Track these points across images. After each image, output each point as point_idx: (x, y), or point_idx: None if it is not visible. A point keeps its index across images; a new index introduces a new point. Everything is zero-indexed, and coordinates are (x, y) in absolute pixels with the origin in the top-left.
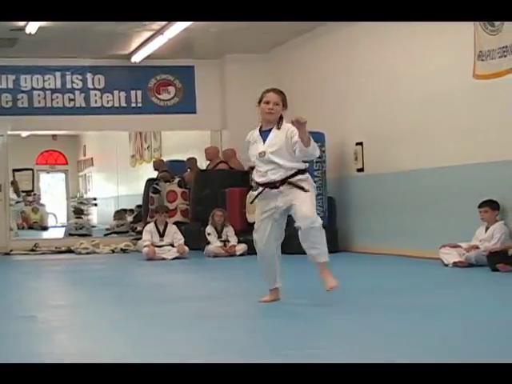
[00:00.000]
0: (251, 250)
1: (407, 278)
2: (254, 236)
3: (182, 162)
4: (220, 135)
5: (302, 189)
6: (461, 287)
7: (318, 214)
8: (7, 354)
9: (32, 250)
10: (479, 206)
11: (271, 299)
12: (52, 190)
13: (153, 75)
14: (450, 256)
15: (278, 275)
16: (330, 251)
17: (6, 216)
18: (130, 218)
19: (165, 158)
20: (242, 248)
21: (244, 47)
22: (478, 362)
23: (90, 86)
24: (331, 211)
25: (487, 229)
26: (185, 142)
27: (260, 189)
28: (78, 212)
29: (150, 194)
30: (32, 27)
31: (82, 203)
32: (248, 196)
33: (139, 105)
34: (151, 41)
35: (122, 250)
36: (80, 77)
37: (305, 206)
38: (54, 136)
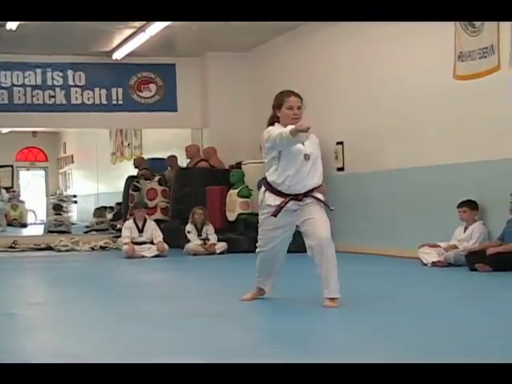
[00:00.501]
0: (231, 249)
1: (385, 278)
2: (263, 248)
3: (163, 159)
4: (201, 133)
5: (326, 204)
6: (438, 287)
7: None
8: None
9: (11, 247)
10: (458, 206)
11: (252, 297)
12: (32, 187)
13: (134, 73)
14: (429, 256)
15: (273, 279)
16: None
17: None
18: (109, 216)
19: (145, 156)
20: (221, 246)
21: (226, 45)
22: (449, 363)
23: (70, 82)
24: None
25: (466, 229)
26: (165, 139)
27: (281, 200)
28: (58, 209)
29: (130, 192)
30: (12, 24)
31: (61, 200)
32: (229, 194)
33: (120, 102)
34: (133, 38)
35: (101, 247)
36: (61, 73)
37: (323, 224)
38: (34, 133)
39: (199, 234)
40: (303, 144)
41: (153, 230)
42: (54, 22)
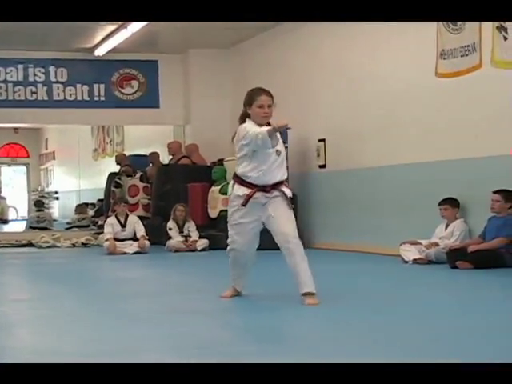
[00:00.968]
0: (212, 245)
1: (366, 275)
2: (234, 245)
3: (145, 156)
4: (183, 130)
5: (291, 201)
6: (419, 284)
7: None
8: None
9: None
10: (439, 204)
11: (232, 294)
12: (13, 183)
13: (116, 69)
14: (410, 253)
15: (244, 279)
16: None
17: None
18: (91, 212)
19: (127, 153)
20: (203, 243)
21: (208, 42)
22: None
23: (52, 79)
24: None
25: (447, 226)
26: (147, 136)
27: (249, 190)
28: (39, 205)
29: (112, 189)
30: None
31: (43, 197)
32: (211, 191)
33: (102, 98)
34: (115, 35)
35: (82, 244)
36: (43, 70)
37: (289, 222)
38: (15, 129)
39: (181, 231)
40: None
41: (135, 224)
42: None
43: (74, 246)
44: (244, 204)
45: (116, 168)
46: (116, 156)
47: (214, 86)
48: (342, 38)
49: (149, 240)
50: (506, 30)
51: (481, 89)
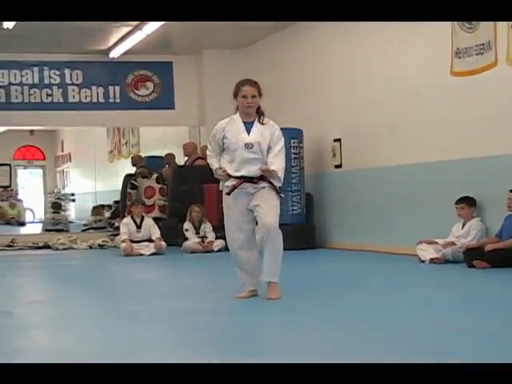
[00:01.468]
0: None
1: (383, 275)
2: (234, 243)
3: (160, 157)
4: (198, 131)
5: (277, 192)
6: (435, 284)
7: (296, 210)
8: None
9: (9, 246)
10: (456, 203)
11: (249, 295)
12: (29, 186)
13: (131, 71)
14: (427, 252)
15: (257, 275)
16: (307, 247)
17: None
18: (107, 214)
19: (143, 154)
20: (219, 244)
21: (222, 43)
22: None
23: (67, 81)
24: (309, 207)
25: (464, 225)
26: (163, 137)
27: (235, 181)
28: (56, 207)
29: (128, 190)
30: (9, 22)
31: (59, 199)
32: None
33: (117, 100)
34: (129, 36)
35: (99, 245)
36: (58, 72)
37: (271, 213)
38: (31, 131)
39: (197, 232)
40: (248, 133)
41: (150, 227)
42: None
43: (90, 247)
44: (229, 193)
45: (132, 169)
46: (132, 157)
47: (229, 86)
48: (354, 37)
49: (165, 241)
50: None
51: (496, 87)
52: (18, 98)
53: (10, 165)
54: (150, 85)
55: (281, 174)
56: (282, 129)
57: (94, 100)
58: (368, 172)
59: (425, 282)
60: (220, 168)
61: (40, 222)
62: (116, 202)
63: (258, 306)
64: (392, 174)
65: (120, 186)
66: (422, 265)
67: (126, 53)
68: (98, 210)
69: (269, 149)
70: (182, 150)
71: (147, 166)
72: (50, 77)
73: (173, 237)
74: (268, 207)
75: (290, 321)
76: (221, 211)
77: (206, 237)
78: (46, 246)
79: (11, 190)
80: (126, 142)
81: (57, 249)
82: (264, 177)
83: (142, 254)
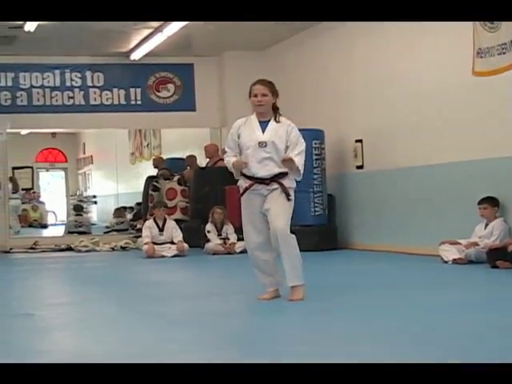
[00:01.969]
0: None
1: (406, 276)
2: (250, 245)
3: (182, 159)
4: (219, 132)
5: (287, 196)
6: (459, 284)
7: (318, 211)
8: (5, 352)
9: (32, 248)
10: (479, 203)
11: (271, 297)
12: (51, 188)
13: (152, 73)
14: (450, 253)
15: (276, 275)
16: (330, 248)
17: (5, 214)
18: (129, 216)
19: (164, 156)
20: (241, 245)
21: (243, 44)
22: (465, 362)
23: (89, 83)
24: (330, 208)
25: (487, 225)
26: (184, 139)
27: (248, 183)
28: (78, 210)
29: (150, 192)
30: (31, 25)
31: (81, 201)
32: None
33: (138, 102)
34: (150, 38)
35: (121, 247)
36: (79, 74)
37: (281, 216)
38: (53, 134)
39: (219, 234)
40: (263, 132)
41: (172, 230)
42: (72, 22)
43: (112, 249)
44: (241, 194)
45: (153, 171)
46: (153, 159)
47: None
48: (376, 37)
49: (187, 243)
50: None
51: None
52: (39, 100)
53: (32, 167)
54: (171, 87)
55: (301, 169)
56: (303, 130)
57: (116, 102)
58: (390, 173)
59: (448, 282)
60: (236, 161)
61: (62, 224)
62: (138, 203)
63: (280, 308)
64: (414, 174)
65: (142, 188)
66: (445, 265)
67: (147, 55)
68: (119, 212)
69: (286, 148)
70: (203, 152)
71: (169, 167)
72: (72, 79)
73: (195, 238)
74: (278, 210)
75: (314, 322)
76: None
77: (228, 238)
78: (69, 249)
79: (34, 192)
80: (148, 144)
81: (79, 251)
82: (276, 178)
83: (164, 256)
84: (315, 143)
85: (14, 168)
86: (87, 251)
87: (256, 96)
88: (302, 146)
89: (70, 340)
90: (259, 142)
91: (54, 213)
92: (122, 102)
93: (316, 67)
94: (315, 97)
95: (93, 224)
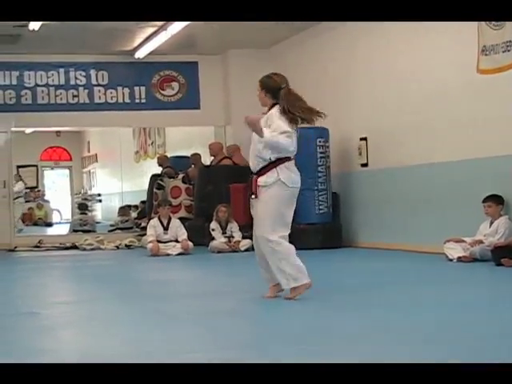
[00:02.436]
0: None
1: (410, 274)
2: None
3: (186, 157)
4: (224, 131)
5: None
6: (464, 282)
7: (322, 209)
8: (10, 350)
9: (36, 247)
10: (483, 201)
11: (273, 294)
12: (56, 187)
13: (156, 71)
14: (455, 251)
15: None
16: (334, 247)
17: (10, 213)
18: (134, 214)
19: (169, 154)
20: (246, 243)
21: (247, 42)
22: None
23: (93, 82)
24: (335, 206)
25: (491, 223)
26: (189, 137)
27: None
28: (83, 208)
29: (155, 190)
30: (35, 24)
31: (86, 199)
32: None
33: (143, 101)
34: (154, 37)
35: (126, 246)
36: (83, 73)
37: (259, 224)
38: (57, 132)
39: (223, 232)
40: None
41: (177, 228)
42: (76, 22)
43: (117, 248)
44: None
45: (158, 170)
46: (158, 158)
47: (254, 86)
48: (380, 35)
49: (191, 241)
50: None
51: None
52: (44, 99)
53: (36, 166)
54: (175, 85)
55: (264, 137)
56: (307, 128)
57: (120, 100)
58: (394, 171)
59: (453, 280)
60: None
61: (67, 222)
62: (142, 202)
63: (283, 306)
64: (419, 172)
65: (146, 187)
66: (450, 263)
67: (151, 53)
68: (124, 210)
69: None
70: (207, 150)
71: (173, 166)
72: (76, 78)
73: (199, 236)
74: (258, 216)
75: (318, 320)
76: (248, 210)
77: (233, 236)
78: (73, 247)
79: (38, 190)
80: (152, 143)
81: (84, 249)
82: (261, 172)
83: (168, 254)
84: (320, 141)
85: (18, 166)
86: (92, 249)
87: None
88: (278, 130)
89: (75, 338)
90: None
91: (58, 211)
92: (127, 100)
93: (320, 65)
94: (319, 95)
95: (97, 222)
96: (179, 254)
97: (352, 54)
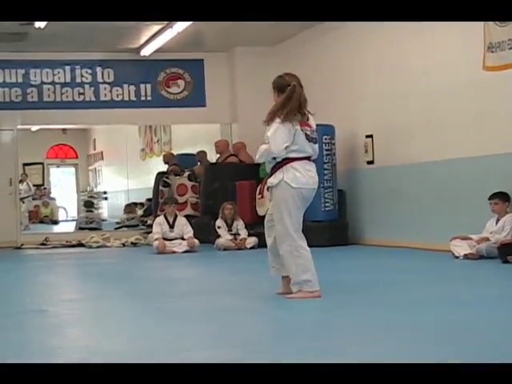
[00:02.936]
0: (262, 243)
1: (417, 271)
2: None
3: (192, 155)
4: (230, 128)
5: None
6: (470, 280)
7: (328, 206)
8: (17, 348)
9: (42, 244)
10: (489, 198)
11: (284, 290)
12: (62, 184)
13: (162, 69)
14: (461, 248)
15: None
16: (340, 244)
17: (16, 210)
18: (140, 212)
19: (175, 152)
20: (252, 241)
21: (253, 40)
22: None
23: (99, 79)
24: (341, 204)
25: (498, 221)
26: (194, 135)
27: None
28: (89, 206)
29: (160, 188)
30: (41, 22)
31: (92, 197)
32: (258, 189)
33: (149, 98)
34: (160, 34)
35: (132, 243)
36: (89, 71)
37: (276, 226)
38: (63, 130)
39: (229, 229)
40: None
41: (183, 226)
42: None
43: (123, 245)
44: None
45: (164, 167)
46: (164, 155)
47: (260, 83)
48: (387, 33)
49: (197, 239)
50: None
51: None
52: (50, 96)
53: (43, 163)
54: (181, 82)
55: (257, 156)
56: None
57: (126, 98)
58: (400, 168)
59: (459, 278)
60: None
61: (73, 220)
62: (148, 199)
63: (289, 304)
64: (424, 170)
65: (152, 184)
66: (456, 260)
67: (157, 51)
68: (130, 207)
69: None
70: (213, 148)
71: (179, 163)
72: (82, 75)
73: (205, 234)
74: (274, 218)
75: (322, 318)
76: (254, 208)
77: (239, 234)
78: (80, 245)
79: (44, 188)
80: (158, 140)
81: (90, 247)
82: (271, 172)
83: (174, 252)
84: (325, 138)
85: (24, 164)
86: (98, 247)
87: None
88: (268, 144)
89: (83, 336)
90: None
91: (64, 209)
92: (133, 97)
93: (327, 63)
94: (325, 92)
95: (103, 220)
96: (185, 252)
97: (358, 51)
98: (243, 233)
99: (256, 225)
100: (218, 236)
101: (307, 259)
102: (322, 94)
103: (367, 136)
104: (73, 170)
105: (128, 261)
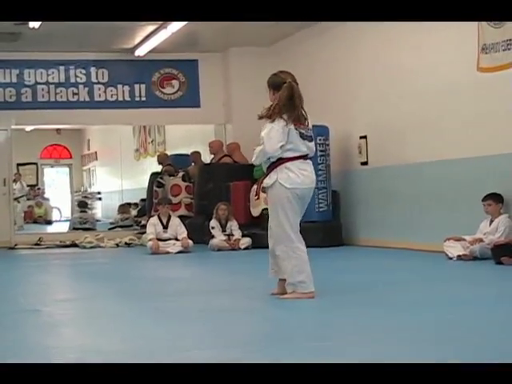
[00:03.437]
0: (255, 244)
1: (411, 272)
2: None
3: (186, 155)
4: (224, 129)
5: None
6: (464, 281)
7: (322, 207)
8: (12, 348)
9: (36, 245)
10: (483, 199)
11: (280, 288)
12: (56, 184)
13: (156, 69)
14: (455, 249)
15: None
16: (334, 245)
17: (10, 210)
18: (134, 212)
19: (169, 152)
20: (246, 242)
21: (248, 40)
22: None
23: (93, 80)
24: (335, 205)
25: (491, 222)
26: (189, 135)
27: None
28: (83, 206)
29: (155, 188)
30: (35, 22)
31: (86, 197)
32: (253, 189)
33: (143, 99)
34: (155, 35)
35: (126, 243)
36: (84, 71)
37: (272, 226)
38: (58, 130)
39: (223, 230)
40: None
41: (177, 227)
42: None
43: (117, 245)
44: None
45: (158, 168)
46: (158, 156)
47: (255, 84)
48: (382, 33)
49: (191, 239)
50: None
51: None
52: (44, 96)
53: (36, 164)
54: (175, 83)
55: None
56: None
57: (120, 98)
58: (394, 169)
59: (453, 278)
60: None
61: (67, 220)
62: (142, 200)
63: (284, 304)
64: (419, 170)
65: (146, 185)
66: (450, 261)
67: (151, 51)
68: (124, 208)
69: None
70: (208, 148)
71: (173, 164)
72: (76, 75)
73: (199, 235)
74: (270, 217)
75: (318, 319)
76: (248, 209)
77: (233, 234)
78: (73, 245)
79: (38, 188)
80: (152, 141)
81: (84, 247)
82: (267, 172)
83: (168, 252)
84: (320, 139)
85: (18, 164)
86: (92, 247)
87: None
88: (263, 144)
89: (77, 336)
90: None
91: (58, 209)
92: (127, 98)
93: (321, 63)
94: (320, 93)
95: (97, 220)
96: (179, 252)
97: (353, 52)
98: (237, 233)
99: (250, 225)
100: (212, 236)
101: (303, 260)
102: (316, 95)
103: (361, 137)
104: (67, 170)
105: (122, 261)
